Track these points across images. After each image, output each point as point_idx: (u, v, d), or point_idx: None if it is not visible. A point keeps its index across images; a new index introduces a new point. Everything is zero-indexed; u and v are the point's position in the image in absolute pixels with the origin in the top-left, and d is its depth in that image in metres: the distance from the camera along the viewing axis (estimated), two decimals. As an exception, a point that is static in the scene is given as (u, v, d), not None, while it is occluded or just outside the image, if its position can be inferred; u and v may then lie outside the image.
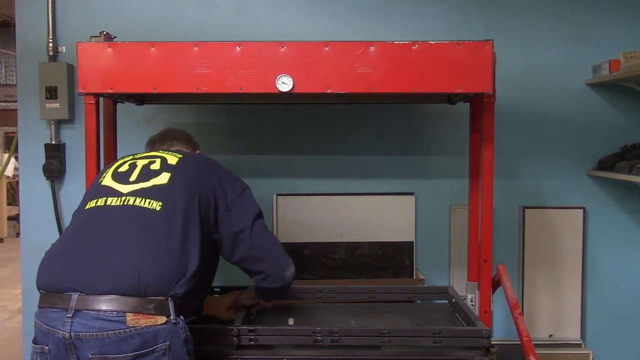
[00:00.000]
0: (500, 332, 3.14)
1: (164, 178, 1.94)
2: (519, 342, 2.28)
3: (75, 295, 1.68)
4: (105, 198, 1.89)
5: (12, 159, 6.79)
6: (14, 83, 12.57)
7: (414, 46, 2.15)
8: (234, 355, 2.04)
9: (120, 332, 1.66)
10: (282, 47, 2.15)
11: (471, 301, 2.57)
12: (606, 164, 3.06)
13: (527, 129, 3.15)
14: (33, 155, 3.10)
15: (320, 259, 3.13)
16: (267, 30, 3.08)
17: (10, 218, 8.96)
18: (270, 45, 2.15)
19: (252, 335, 2.05)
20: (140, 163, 2.01)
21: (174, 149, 2.22)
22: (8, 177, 8.68)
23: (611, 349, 3.21)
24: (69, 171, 3.13)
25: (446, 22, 3.11)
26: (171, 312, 1.73)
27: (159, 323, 1.70)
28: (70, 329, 1.66)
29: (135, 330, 1.67)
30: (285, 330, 2.10)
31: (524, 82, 3.12)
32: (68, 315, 1.67)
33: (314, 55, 2.14)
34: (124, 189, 1.91)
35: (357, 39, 2.24)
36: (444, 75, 2.15)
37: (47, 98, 3.04)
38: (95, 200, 1.90)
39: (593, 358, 3.11)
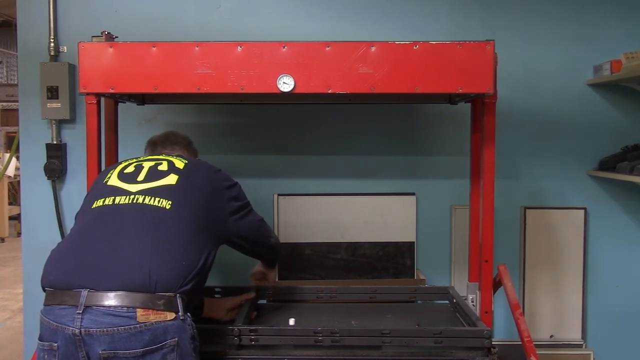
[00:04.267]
0: (501, 333, 3.14)
1: (172, 179, 1.97)
2: (520, 343, 2.28)
3: (84, 292, 1.69)
4: (113, 197, 1.91)
5: (14, 159, 6.79)
6: (15, 83, 12.59)
7: (415, 46, 2.15)
8: (235, 355, 2.04)
9: (130, 328, 1.67)
10: (284, 47, 2.15)
11: (472, 301, 2.57)
12: (607, 165, 3.06)
13: (528, 129, 3.15)
14: (34, 155, 3.11)
15: (321, 259, 3.13)
16: (268, 30, 3.08)
17: (11, 218, 8.96)
18: (272, 46, 2.15)
19: (253, 335, 2.05)
20: (147, 165, 2.03)
21: (175, 154, 2.24)
22: (9, 176, 8.68)
23: (612, 349, 3.21)
24: (70, 171, 3.13)
25: (447, 22, 3.11)
26: (180, 308, 1.74)
27: (168, 319, 1.72)
28: (81, 325, 1.67)
29: (146, 325, 1.69)
30: (286, 331, 2.09)
31: (525, 82, 3.12)
32: (78, 312, 1.67)
33: (315, 55, 2.14)
34: (133, 188, 1.93)
35: (359, 39, 2.24)
36: (445, 76, 2.15)
37: (48, 98, 3.04)
38: (103, 200, 1.91)
39: (594, 358, 3.11)
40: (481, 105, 2.36)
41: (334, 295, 2.64)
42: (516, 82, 3.09)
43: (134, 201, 1.88)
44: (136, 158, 2.14)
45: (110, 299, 1.68)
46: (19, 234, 8.03)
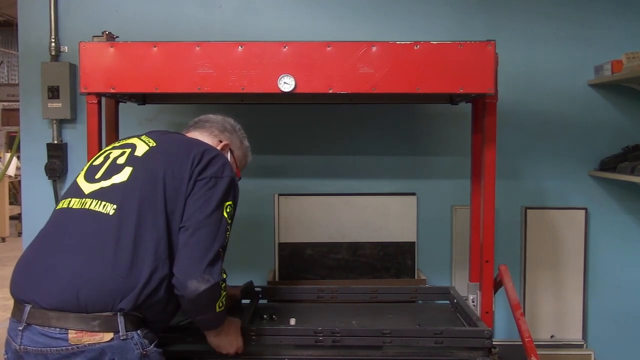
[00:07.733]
0: (502, 333, 3.14)
1: (124, 175, 1.80)
2: (521, 343, 2.28)
3: (27, 308, 1.65)
4: (70, 199, 1.83)
5: (14, 159, 6.80)
6: (16, 82, 12.59)
7: (416, 46, 2.15)
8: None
9: (62, 350, 1.62)
10: (284, 47, 2.15)
11: (473, 302, 2.56)
12: (608, 165, 3.06)
13: (529, 130, 3.15)
14: (35, 154, 3.11)
15: (322, 259, 3.13)
16: (269, 30, 3.08)
17: (12, 217, 8.96)
18: (273, 46, 2.15)
19: (253, 335, 2.05)
20: (113, 155, 1.90)
21: (185, 134, 2.09)
22: (10, 176, 8.69)
23: (613, 350, 3.21)
24: (70, 171, 3.13)
25: (448, 22, 3.11)
26: (120, 327, 1.65)
27: (104, 340, 1.64)
28: (20, 342, 1.64)
29: (78, 347, 1.62)
30: (286, 330, 2.10)
31: (526, 82, 3.12)
32: (19, 328, 1.65)
33: (316, 55, 2.15)
34: (87, 188, 1.82)
35: (359, 39, 2.23)
36: (446, 76, 2.16)
37: (49, 98, 3.04)
38: (63, 202, 1.85)
39: (595, 359, 3.11)
40: (482, 106, 2.36)
41: (334, 295, 2.64)
42: (517, 82, 3.09)
43: (83, 206, 1.77)
44: (113, 144, 2.00)
45: (46, 319, 1.63)
46: (19, 234, 8.03)
